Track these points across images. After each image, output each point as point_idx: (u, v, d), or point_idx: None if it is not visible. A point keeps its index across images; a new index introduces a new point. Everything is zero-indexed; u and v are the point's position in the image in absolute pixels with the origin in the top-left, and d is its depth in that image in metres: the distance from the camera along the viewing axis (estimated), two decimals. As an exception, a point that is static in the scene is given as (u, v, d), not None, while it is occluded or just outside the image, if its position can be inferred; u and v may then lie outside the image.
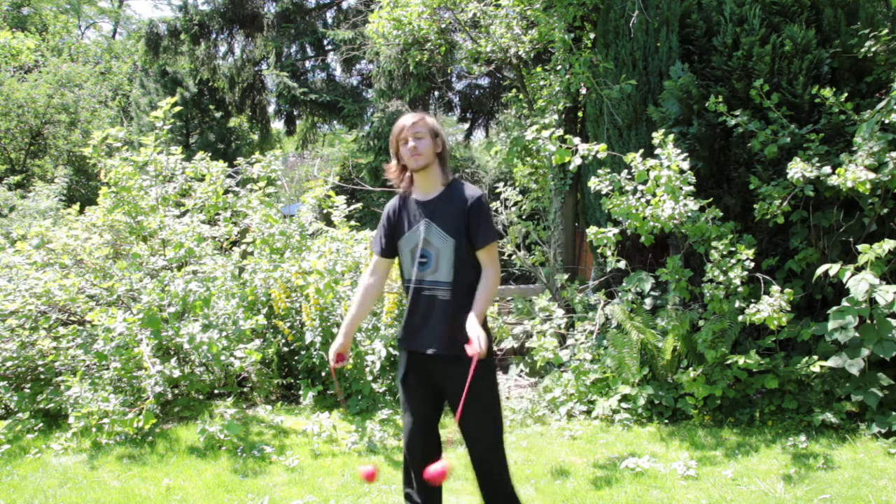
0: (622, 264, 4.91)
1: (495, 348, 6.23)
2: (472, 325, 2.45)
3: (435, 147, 2.67)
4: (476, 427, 2.67)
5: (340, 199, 5.94)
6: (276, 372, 5.07)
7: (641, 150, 4.63)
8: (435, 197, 2.68)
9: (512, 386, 5.85)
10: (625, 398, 4.63)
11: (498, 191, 6.44)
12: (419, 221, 2.68)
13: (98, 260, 5.26)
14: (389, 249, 2.81)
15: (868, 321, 4.02)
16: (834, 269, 4.04)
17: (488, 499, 2.76)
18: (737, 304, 4.35)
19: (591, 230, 4.81)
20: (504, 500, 2.73)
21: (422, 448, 2.76)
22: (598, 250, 4.94)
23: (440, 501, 2.87)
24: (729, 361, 4.27)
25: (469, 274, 2.61)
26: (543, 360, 4.75)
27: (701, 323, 4.55)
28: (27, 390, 4.54)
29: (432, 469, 2.44)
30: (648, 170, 4.48)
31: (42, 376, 4.62)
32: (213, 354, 4.46)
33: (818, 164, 4.29)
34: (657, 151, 4.50)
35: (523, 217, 6.57)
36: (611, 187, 4.68)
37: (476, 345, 2.41)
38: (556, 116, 5.82)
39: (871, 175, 4.01)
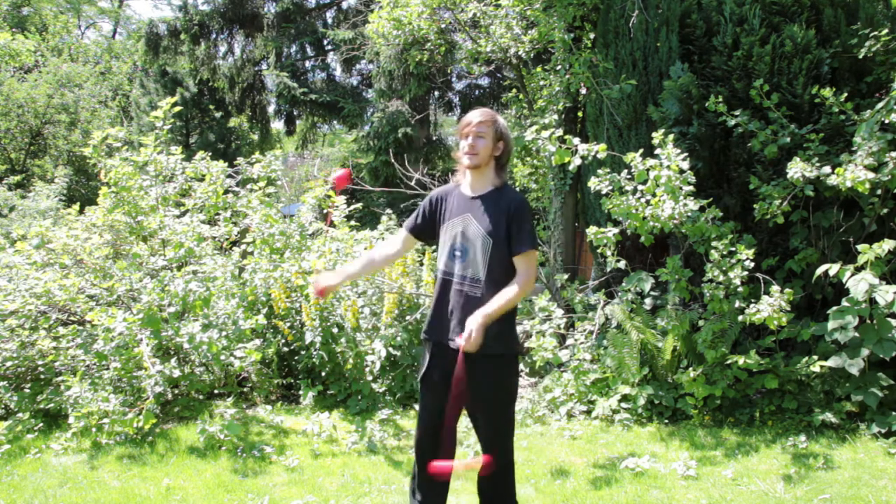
0: (622, 264, 4.91)
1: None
2: (474, 318, 2.49)
3: (494, 150, 2.68)
4: (486, 425, 2.70)
5: (340, 199, 5.94)
6: (276, 372, 5.07)
7: (641, 150, 4.62)
8: (483, 195, 2.70)
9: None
10: (625, 398, 4.63)
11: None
12: (460, 214, 2.71)
13: (98, 260, 5.26)
14: (417, 229, 2.85)
15: (868, 321, 4.02)
16: (834, 269, 4.04)
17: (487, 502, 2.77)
18: (737, 304, 4.35)
19: (591, 230, 4.81)
20: None
21: (431, 446, 2.73)
22: (598, 250, 4.94)
23: None
24: (729, 361, 4.27)
25: (501, 275, 2.62)
26: (543, 360, 4.75)
27: (701, 323, 4.55)
28: (27, 390, 4.53)
29: (439, 464, 2.49)
30: (648, 170, 4.47)
31: (42, 376, 4.62)
32: (213, 354, 4.46)
33: (818, 164, 4.29)
34: (657, 151, 4.50)
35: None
36: (611, 187, 4.68)
37: (465, 336, 2.46)
38: (555, 116, 5.82)
39: (871, 175, 4.01)
